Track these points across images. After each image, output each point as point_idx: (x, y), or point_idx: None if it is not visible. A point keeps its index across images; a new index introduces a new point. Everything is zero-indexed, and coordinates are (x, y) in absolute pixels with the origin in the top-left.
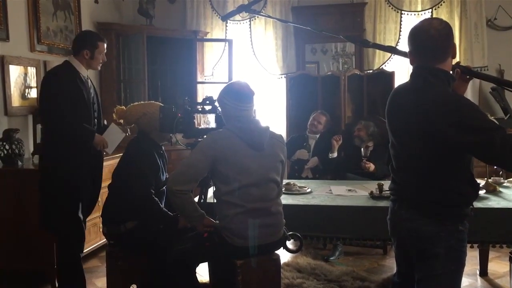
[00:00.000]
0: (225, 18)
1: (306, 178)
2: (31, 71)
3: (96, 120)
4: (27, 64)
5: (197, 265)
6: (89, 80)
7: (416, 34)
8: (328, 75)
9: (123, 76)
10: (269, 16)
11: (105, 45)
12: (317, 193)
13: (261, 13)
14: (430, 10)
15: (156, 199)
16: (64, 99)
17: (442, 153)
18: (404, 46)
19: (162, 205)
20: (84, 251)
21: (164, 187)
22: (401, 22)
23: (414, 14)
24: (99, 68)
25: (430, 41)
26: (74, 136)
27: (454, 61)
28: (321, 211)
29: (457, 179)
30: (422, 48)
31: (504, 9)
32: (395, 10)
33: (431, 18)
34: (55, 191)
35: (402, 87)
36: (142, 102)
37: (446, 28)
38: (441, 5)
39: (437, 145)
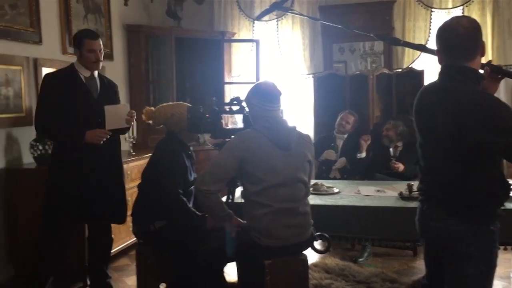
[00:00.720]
0: (259, 17)
1: (334, 178)
2: None
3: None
4: (59, 66)
5: (225, 264)
6: (96, 80)
7: (444, 33)
8: (356, 74)
9: (152, 77)
10: (301, 14)
11: (96, 41)
12: (345, 193)
13: (294, 11)
14: (461, 7)
15: (184, 199)
16: (50, 103)
17: (472, 152)
18: (434, 44)
19: (190, 205)
20: (114, 249)
21: (192, 187)
22: (431, 20)
23: (445, 12)
24: (97, 67)
25: (458, 40)
26: (59, 139)
27: (485, 60)
28: (349, 211)
29: (487, 178)
30: (450, 47)
31: None
32: (424, 8)
33: (459, 16)
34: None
35: (431, 86)
36: (170, 103)
37: (474, 26)
38: (472, 1)
39: (466, 144)
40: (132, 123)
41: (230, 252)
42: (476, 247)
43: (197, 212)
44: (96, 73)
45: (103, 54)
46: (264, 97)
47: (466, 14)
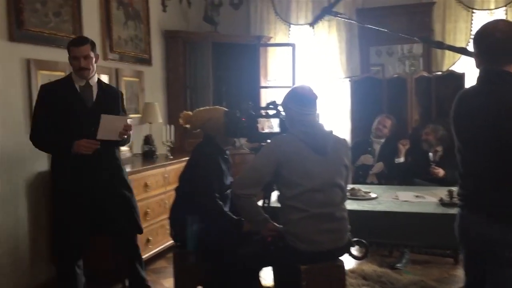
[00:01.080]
0: (313, 23)
1: (371, 183)
2: (104, 78)
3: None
4: (100, 71)
5: (261, 269)
6: (91, 88)
7: (482, 37)
8: (394, 77)
9: (189, 82)
10: (349, 19)
11: (79, 48)
12: (383, 198)
13: (343, 16)
14: (505, 7)
15: (221, 202)
16: (43, 114)
17: (510, 157)
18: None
19: (227, 209)
20: (152, 252)
21: (228, 191)
22: (472, 21)
23: (487, 12)
24: (84, 75)
25: (495, 44)
26: (48, 150)
27: None
28: (388, 217)
29: None
30: (487, 51)
31: None
32: (465, 9)
33: (497, 20)
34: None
35: (469, 90)
36: (207, 107)
37: (511, 30)
38: None
39: (505, 149)
40: (125, 137)
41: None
42: None
43: (233, 216)
44: (94, 81)
45: (93, 61)
46: (300, 101)
47: (509, 14)
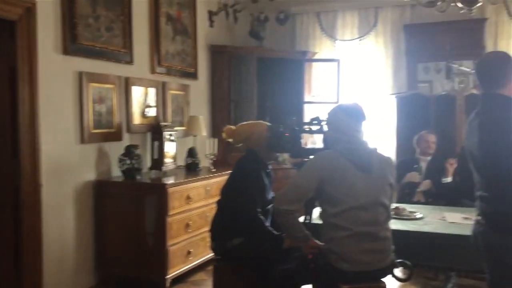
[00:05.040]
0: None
1: (418, 202)
2: (151, 91)
3: None
4: (148, 85)
5: (301, 286)
6: None
7: (477, 66)
8: (443, 94)
9: (234, 96)
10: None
11: None
12: (429, 219)
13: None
14: None
15: (262, 217)
16: None
17: (501, 170)
18: None
19: (268, 224)
20: (192, 264)
21: (270, 206)
22: None
23: None
24: None
25: (488, 71)
26: None
27: None
28: (434, 239)
29: None
30: (481, 77)
31: None
32: None
33: (491, 51)
34: None
35: (473, 113)
36: (250, 121)
37: (502, 58)
38: None
39: (495, 162)
40: None
41: None
42: None
43: (274, 231)
44: None
45: None
46: (352, 114)
47: None
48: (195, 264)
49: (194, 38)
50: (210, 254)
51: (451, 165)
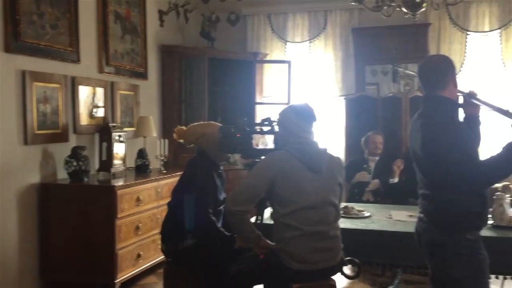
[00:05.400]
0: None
1: (367, 201)
2: (99, 91)
3: None
4: (96, 84)
5: (252, 286)
6: None
7: (420, 68)
8: (389, 96)
9: (185, 97)
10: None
11: None
12: (377, 217)
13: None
14: (499, 30)
15: (214, 218)
16: None
17: (442, 170)
18: (468, 67)
19: (219, 225)
20: (142, 267)
21: (221, 207)
22: (467, 43)
23: (482, 35)
24: None
25: (430, 73)
26: None
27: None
28: (381, 236)
29: (460, 192)
30: (423, 79)
31: None
32: (460, 31)
33: (434, 55)
34: None
35: (416, 113)
36: (201, 122)
37: (443, 62)
38: (510, 25)
39: (436, 162)
40: None
41: None
42: (456, 254)
43: (225, 232)
44: None
45: None
46: (303, 115)
47: (503, 37)
48: (145, 267)
49: (143, 38)
50: (161, 257)
51: (398, 167)
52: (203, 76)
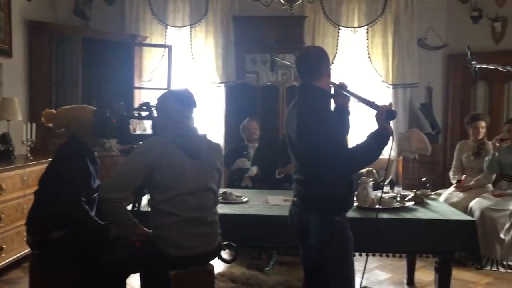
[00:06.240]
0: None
1: (246, 187)
2: None
3: None
4: None
5: (128, 276)
6: None
7: (297, 59)
8: (268, 85)
9: (56, 78)
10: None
11: None
12: (254, 202)
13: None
14: (366, 27)
15: (86, 207)
16: None
17: (314, 156)
18: (339, 61)
19: (93, 213)
20: (6, 261)
21: (95, 195)
22: (339, 37)
23: (351, 30)
24: None
25: (306, 64)
26: None
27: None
28: (257, 220)
29: (330, 177)
30: (300, 70)
31: (434, 29)
32: (333, 25)
33: (310, 46)
34: None
35: (294, 101)
36: (73, 105)
37: (318, 53)
38: (376, 23)
39: (310, 148)
40: None
41: None
42: (326, 234)
43: (99, 221)
44: None
45: None
46: (182, 101)
47: (370, 34)
48: (9, 261)
49: (7, 12)
50: (27, 250)
51: (290, 169)
52: (77, 56)
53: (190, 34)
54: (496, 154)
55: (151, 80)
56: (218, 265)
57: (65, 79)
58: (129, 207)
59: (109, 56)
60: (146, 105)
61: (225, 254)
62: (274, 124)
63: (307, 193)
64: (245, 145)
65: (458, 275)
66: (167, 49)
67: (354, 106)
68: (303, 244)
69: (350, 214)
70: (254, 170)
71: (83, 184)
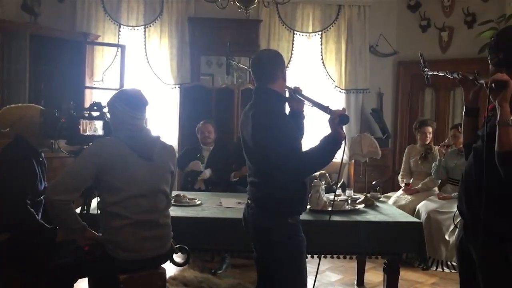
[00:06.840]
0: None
1: (199, 190)
2: None
3: None
4: None
5: (76, 281)
6: None
7: (253, 62)
8: (223, 88)
9: (1, 76)
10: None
11: None
12: (207, 205)
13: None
14: (320, 32)
15: (32, 210)
16: None
17: (268, 159)
18: (294, 65)
19: (39, 217)
20: None
21: (42, 197)
22: (294, 42)
23: (305, 35)
24: None
25: (261, 67)
26: None
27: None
28: (210, 223)
29: (284, 180)
30: (256, 73)
31: (385, 37)
32: (288, 30)
33: (265, 49)
34: None
35: (249, 104)
36: (19, 104)
37: (273, 56)
38: (329, 29)
39: (264, 150)
40: None
41: None
42: (280, 236)
43: (46, 225)
44: None
45: None
46: (130, 103)
47: (324, 39)
48: None
49: None
50: None
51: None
52: (24, 54)
53: (144, 34)
54: (442, 159)
55: (103, 80)
56: (170, 269)
57: (12, 77)
58: (78, 210)
59: (59, 54)
60: (97, 105)
61: (177, 257)
62: (229, 127)
63: (261, 195)
64: (200, 148)
65: (406, 275)
66: (120, 48)
67: (308, 110)
68: (256, 247)
69: (303, 216)
70: (207, 173)
71: (29, 186)
